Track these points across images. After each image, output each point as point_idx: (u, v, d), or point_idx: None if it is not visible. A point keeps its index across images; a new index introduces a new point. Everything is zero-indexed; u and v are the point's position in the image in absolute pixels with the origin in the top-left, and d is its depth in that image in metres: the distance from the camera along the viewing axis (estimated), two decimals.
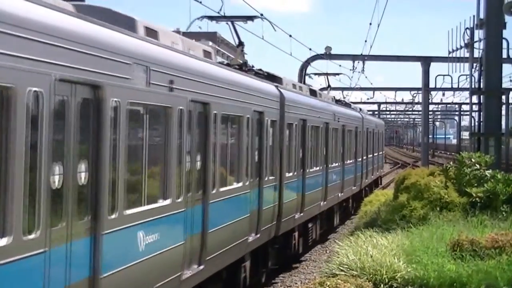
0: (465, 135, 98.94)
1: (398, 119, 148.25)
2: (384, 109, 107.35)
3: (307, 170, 22.03)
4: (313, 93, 25.81)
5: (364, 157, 37.26)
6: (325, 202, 25.18)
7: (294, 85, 22.60)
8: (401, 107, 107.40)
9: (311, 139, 22.75)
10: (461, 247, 14.88)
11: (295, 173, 20.46)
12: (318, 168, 23.88)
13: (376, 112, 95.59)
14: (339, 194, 28.66)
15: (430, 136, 70.64)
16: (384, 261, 14.11)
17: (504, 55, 30.68)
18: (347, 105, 36.57)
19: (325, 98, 28.66)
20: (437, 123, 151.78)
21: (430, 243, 15.70)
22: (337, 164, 28.01)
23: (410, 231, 17.49)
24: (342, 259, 14.83)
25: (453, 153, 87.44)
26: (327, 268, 15.20)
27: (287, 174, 19.36)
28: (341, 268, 14.35)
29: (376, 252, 14.75)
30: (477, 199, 19.47)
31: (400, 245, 15.75)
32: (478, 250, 14.72)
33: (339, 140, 28.51)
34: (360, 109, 43.10)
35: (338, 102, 33.69)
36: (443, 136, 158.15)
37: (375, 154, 43.94)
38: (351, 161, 31.94)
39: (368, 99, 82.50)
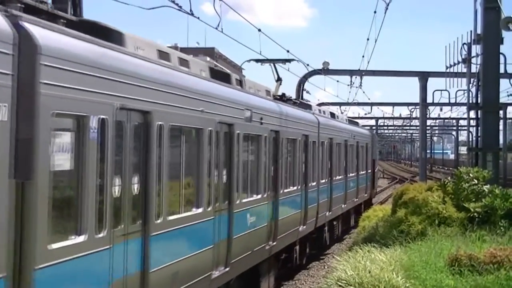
0: (463, 150, 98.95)
1: (396, 134, 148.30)
2: (382, 124, 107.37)
3: (157, 221, 10.80)
4: (224, 78, 15.74)
5: (324, 180, 25.85)
6: (227, 269, 14.48)
7: (162, 53, 12.12)
8: (398, 122, 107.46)
9: (174, 153, 11.86)
10: (460, 262, 14.85)
11: (127, 230, 9.91)
12: (209, 208, 13.20)
13: (374, 127, 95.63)
14: (268, 245, 17.93)
15: (428, 151, 70.62)
16: (383, 277, 14.08)
17: (502, 70, 30.71)
18: (303, 105, 25.83)
19: (250, 87, 17.87)
20: (435, 138, 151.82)
21: (428, 258, 15.67)
22: (260, 197, 17.04)
23: (408, 246, 17.47)
24: (340, 274, 14.80)
25: (451, 168, 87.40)
26: (325, 284, 15.17)
27: (95, 236, 8.96)
28: (339, 283, 14.32)
29: (374, 267, 14.73)
30: (475, 214, 19.45)
31: (399, 260, 15.72)
32: (477, 265, 14.68)
33: (266, 156, 17.78)
34: (333, 115, 31.65)
35: (285, 100, 23.32)
36: (441, 151, 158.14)
37: (352, 174, 32.77)
38: (294, 188, 20.90)
39: (365, 114, 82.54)
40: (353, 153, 33.24)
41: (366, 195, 38.88)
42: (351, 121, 40.44)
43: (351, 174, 32.34)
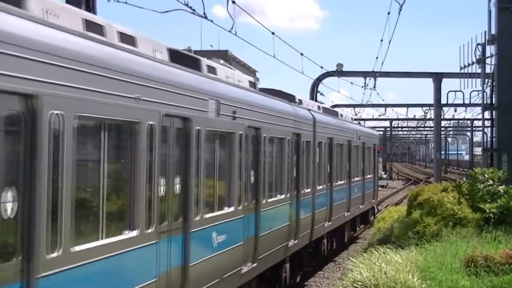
0: (478, 151, 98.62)
1: (410, 136, 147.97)
2: (396, 125, 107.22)
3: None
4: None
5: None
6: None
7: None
8: (413, 123, 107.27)
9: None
10: (475, 263, 14.82)
11: None
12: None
13: (388, 129, 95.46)
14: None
15: (442, 152, 70.44)
16: (398, 278, 14.06)
17: None
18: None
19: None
20: (449, 139, 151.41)
21: (444, 259, 15.65)
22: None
23: (424, 247, 17.45)
24: (356, 275, 14.79)
25: (465, 169, 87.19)
26: (341, 285, 15.17)
27: None
28: (355, 285, 14.31)
29: (390, 269, 14.71)
30: (490, 214, 19.39)
31: (414, 261, 15.70)
32: (493, 266, 14.66)
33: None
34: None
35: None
36: (455, 152, 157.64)
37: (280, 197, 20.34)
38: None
39: (380, 115, 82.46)
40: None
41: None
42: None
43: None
